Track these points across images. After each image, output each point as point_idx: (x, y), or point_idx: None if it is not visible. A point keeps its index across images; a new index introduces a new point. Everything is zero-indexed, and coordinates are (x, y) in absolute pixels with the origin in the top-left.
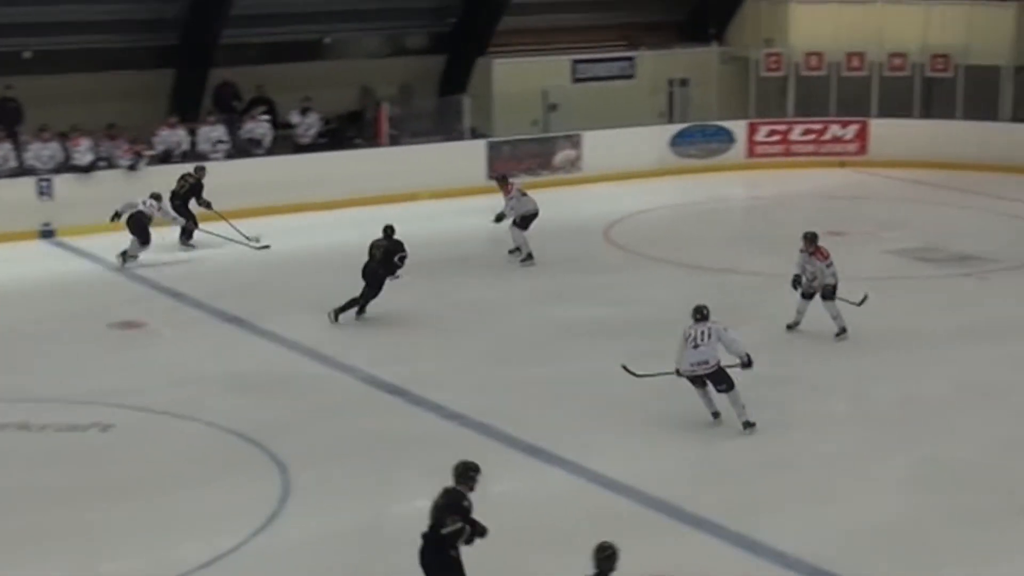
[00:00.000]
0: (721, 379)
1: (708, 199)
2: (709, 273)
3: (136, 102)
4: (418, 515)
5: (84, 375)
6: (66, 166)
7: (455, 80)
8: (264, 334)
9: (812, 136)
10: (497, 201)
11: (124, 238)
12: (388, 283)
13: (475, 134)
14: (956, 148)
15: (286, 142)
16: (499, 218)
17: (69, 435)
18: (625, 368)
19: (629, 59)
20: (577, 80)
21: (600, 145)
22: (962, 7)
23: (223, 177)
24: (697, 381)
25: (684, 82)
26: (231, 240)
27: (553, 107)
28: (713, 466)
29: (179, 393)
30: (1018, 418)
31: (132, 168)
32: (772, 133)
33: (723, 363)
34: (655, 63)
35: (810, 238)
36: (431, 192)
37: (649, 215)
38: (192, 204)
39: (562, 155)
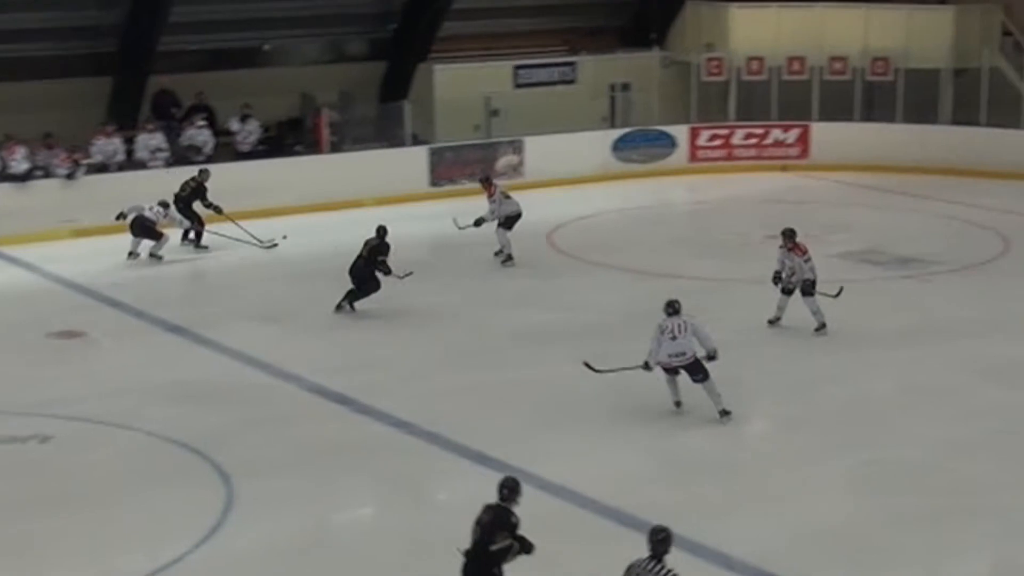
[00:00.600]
0: (697, 370)
1: (651, 204)
2: (653, 278)
3: (73, 110)
4: (364, 524)
5: (23, 386)
6: (2, 175)
7: (396, 86)
8: (206, 343)
9: (754, 140)
10: (440, 207)
11: (66, 246)
12: (390, 281)
13: (417, 140)
14: (897, 151)
15: (226, 150)
16: (478, 222)
17: (8, 447)
18: (587, 365)
19: (571, 64)
20: (519, 86)
21: (542, 150)
22: (901, 11)
23: (163, 185)
24: (671, 371)
25: (626, 87)
26: (240, 241)
27: (495, 113)
28: (659, 470)
29: (120, 403)
30: (962, 419)
31: (70, 177)
32: (714, 137)
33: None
34: (597, 68)
35: (788, 234)
36: (375, 199)
37: (592, 220)
38: (197, 207)
39: (504, 161)
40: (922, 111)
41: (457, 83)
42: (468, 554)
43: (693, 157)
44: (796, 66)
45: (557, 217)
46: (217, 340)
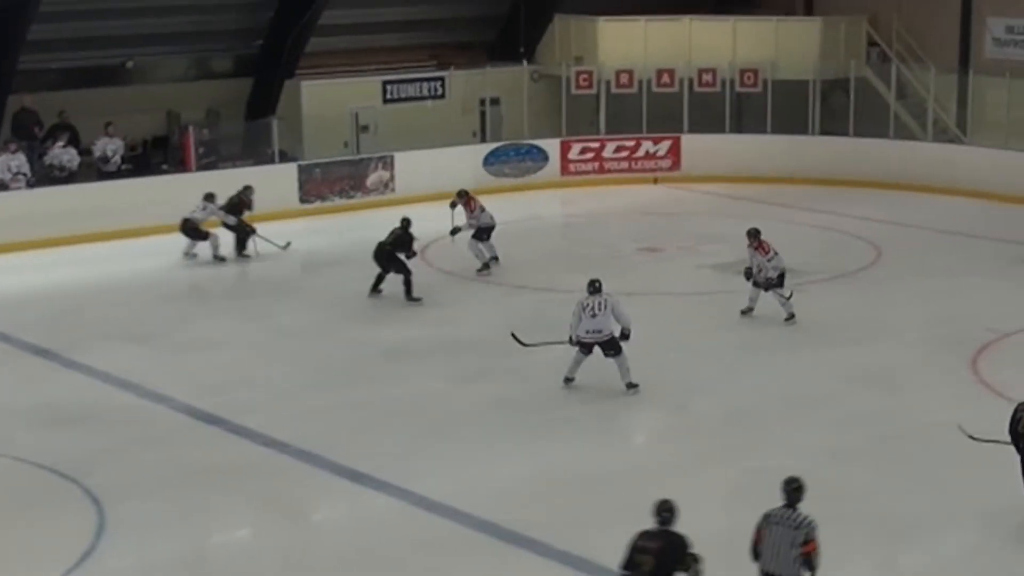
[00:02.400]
0: (611, 346)
1: (524, 218)
2: (527, 292)
3: None
4: (239, 545)
5: None
6: None
7: (263, 103)
8: (73, 365)
9: (625, 153)
10: (310, 223)
11: None
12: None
13: (285, 157)
14: (768, 162)
15: (91, 169)
16: (454, 231)
17: None
18: (514, 336)
19: (440, 79)
20: (388, 101)
21: (413, 166)
22: (769, 23)
23: (25, 206)
24: (585, 348)
25: (496, 101)
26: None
27: (364, 128)
28: (538, 484)
29: None
30: (839, 426)
31: None
32: (585, 151)
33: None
34: (466, 83)
35: (753, 234)
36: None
37: (465, 235)
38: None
39: (375, 176)
40: (791, 122)
41: (325, 99)
42: None
43: (565, 170)
44: (665, 79)
45: (429, 233)
46: (85, 362)
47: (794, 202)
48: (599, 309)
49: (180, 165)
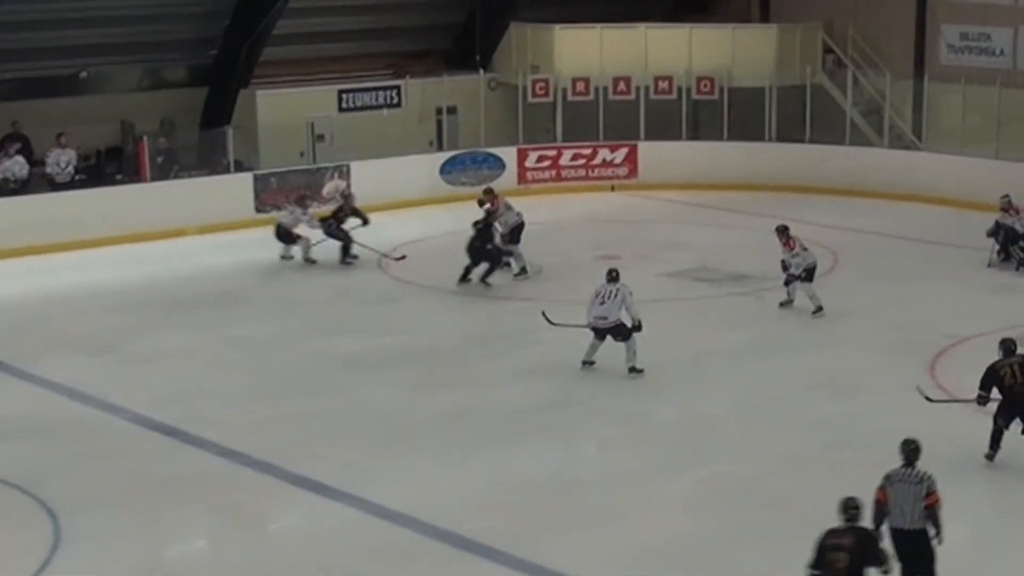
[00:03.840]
0: (618, 332)
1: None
2: (485, 300)
3: None
4: (198, 557)
5: None
6: None
7: (218, 113)
8: (28, 377)
9: (582, 161)
10: (266, 233)
11: None
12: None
13: (240, 167)
14: (725, 169)
15: (43, 180)
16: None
17: None
18: (544, 316)
19: (396, 88)
20: (343, 110)
21: (369, 175)
22: (725, 30)
23: None
24: (598, 333)
25: (452, 110)
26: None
27: (320, 138)
28: (495, 492)
29: None
30: (797, 433)
31: None
32: (542, 159)
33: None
34: (422, 91)
35: (780, 230)
36: (199, 227)
37: (422, 244)
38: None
39: (331, 186)
40: (748, 129)
41: (280, 108)
42: None
43: (522, 179)
44: (622, 86)
45: (387, 242)
46: (39, 374)
47: (751, 209)
48: (608, 298)
49: (135, 175)
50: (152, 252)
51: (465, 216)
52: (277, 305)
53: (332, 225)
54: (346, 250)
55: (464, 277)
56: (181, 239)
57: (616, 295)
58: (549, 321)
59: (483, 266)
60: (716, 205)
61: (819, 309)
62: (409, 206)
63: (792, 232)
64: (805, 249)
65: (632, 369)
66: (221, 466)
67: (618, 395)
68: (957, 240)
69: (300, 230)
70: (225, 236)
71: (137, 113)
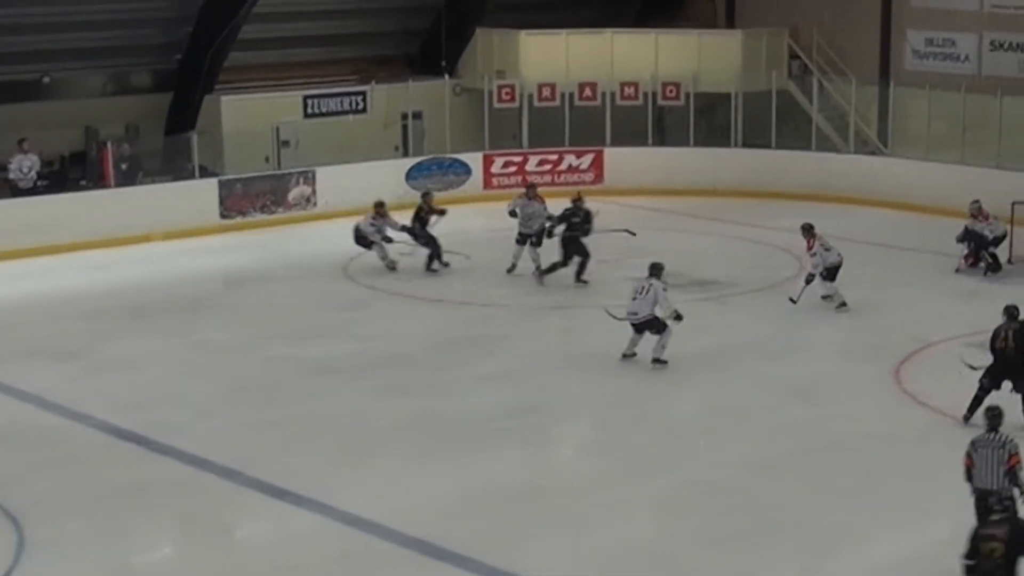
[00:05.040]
0: (649, 327)
1: (447, 232)
2: (451, 306)
3: None
4: (164, 565)
5: None
6: None
7: (182, 118)
8: None
9: (548, 167)
10: (231, 239)
11: None
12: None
13: (205, 172)
14: (690, 175)
15: (6, 186)
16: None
17: None
18: (608, 312)
19: (361, 93)
20: (309, 115)
21: (335, 180)
22: (691, 36)
23: None
24: (635, 328)
25: (418, 115)
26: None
27: (285, 143)
28: (463, 499)
29: None
30: (762, 439)
31: None
32: (508, 164)
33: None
34: (388, 97)
35: (804, 229)
36: (165, 233)
37: (388, 249)
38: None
39: (296, 191)
40: (714, 135)
41: (246, 114)
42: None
43: (488, 184)
44: (588, 92)
45: (352, 248)
46: (3, 381)
47: (717, 214)
48: (640, 293)
49: (99, 181)
50: (117, 258)
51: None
52: (244, 311)
53: (417, 228)
54: (433, 257)
55: (549, 271)
56: (147, 245)
57: (648, 291)
58: (613, 316)
59: (575, 261)
60: (682, 211)
61: (842, 304)
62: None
63: (817, 231)
64: (827, 249)
65: (656, 360)
66: (188, 474)
67: (585, 401)
68: (923, 245)
69: (374, 236)
70: (191, 242)
71: (101, 118)
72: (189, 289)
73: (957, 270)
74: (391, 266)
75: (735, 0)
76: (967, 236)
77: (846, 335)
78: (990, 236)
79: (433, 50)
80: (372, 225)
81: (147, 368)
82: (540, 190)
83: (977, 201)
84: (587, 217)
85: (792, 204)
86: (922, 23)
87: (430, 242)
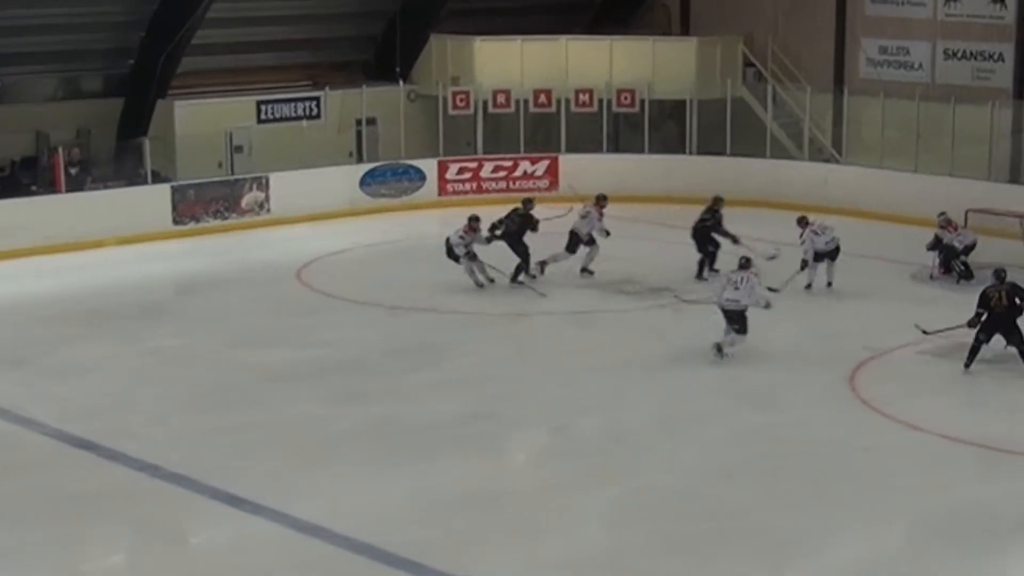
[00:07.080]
0: (739, 319)
1: (402, 238)
2: (407, 312)
3: None
4: (117, 572)
5: None
6: None
7: (135, 123)
8: None
9: (503, 173)
10: (184, 245)
11: None
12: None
13: (158, 178)
14: (645, 181)
15: None
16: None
17: None
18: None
19: (315, 99)
20: (262, 121)
21: (288, 186)
22: (645, 43)
23: None
24: (728, 315)
25: (372, 121)
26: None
27: (239, 149)
28: (416, 506)
29: None
30: (722, 444)
31: None
32: (463, 171)
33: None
34: (342, 103)
35: (797, 221)
36: (117, 238)
37: (343, 256)
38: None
39: (249, 197)
40: (668, 142)
41: (199, 119)
42: None
43: (443, 191)
44: (543, 99)
45: (306, 254)
46: None
47: (672, 221)
48: (741, 283)
49: (50, 186)
50: (69, 263)
51: (386, 228)
52: (197, 317)
53: (515, 237)
54: (520, 269)
55: (700, 273)
56: (99, 250)
57: (747, 282)
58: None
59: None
60: (637, 218)
61: (828, 284)
62: (329, 218)
63: (811, 218)
64: (818, 233)
65: (719, 348)
66: (140, 480)
67: (539, 407)
68: (876, 252)
69: (459, 250)
70: (144, 248)
71: (52, 123)
72: (142, 295)
73: (931, 277)
74: (478, 283)
75: (690, 7)
76: (938, 244)
77: (800, 342)
78: (959, 247)
79: (387, 56)
80: (461, 239)
81: (99, 374)
82: (494, 196)
83: (944, 213)
84: (527, 221)
85: (746, 211)
86: (876, 31)
87: (521, 253)
